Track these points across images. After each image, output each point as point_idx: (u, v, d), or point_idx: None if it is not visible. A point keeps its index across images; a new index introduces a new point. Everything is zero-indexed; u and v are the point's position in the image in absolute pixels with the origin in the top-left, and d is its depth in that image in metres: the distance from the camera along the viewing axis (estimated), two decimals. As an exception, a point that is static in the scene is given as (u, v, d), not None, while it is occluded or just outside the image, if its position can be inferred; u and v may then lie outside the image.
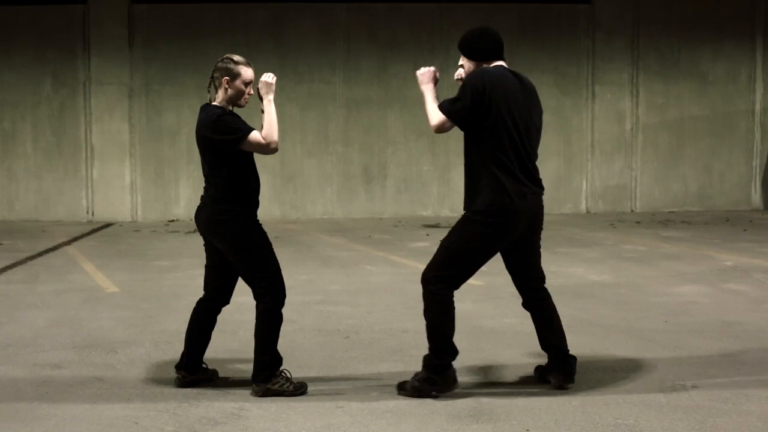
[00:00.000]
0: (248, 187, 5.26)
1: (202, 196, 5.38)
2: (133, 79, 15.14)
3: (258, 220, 5.33)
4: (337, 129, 15.61)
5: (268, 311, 5.23)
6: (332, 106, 15.58)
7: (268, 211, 15.32)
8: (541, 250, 5.43)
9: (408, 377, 5.57)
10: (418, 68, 5.46)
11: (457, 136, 5.70)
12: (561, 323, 5.42)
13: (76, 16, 15.04)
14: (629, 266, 9.91)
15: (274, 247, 5.33)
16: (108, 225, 14.58)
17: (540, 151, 5.37)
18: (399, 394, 5.23)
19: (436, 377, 5.17)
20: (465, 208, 5.21)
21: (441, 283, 5.17)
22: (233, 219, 5.21)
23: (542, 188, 5.29)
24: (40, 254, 11.14)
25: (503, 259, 5.36)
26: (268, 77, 5.30)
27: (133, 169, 15.18)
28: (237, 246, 5.23)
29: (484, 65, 5.24)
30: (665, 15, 16.14)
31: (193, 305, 5.55)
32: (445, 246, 5.21)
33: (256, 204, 5.33)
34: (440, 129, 5.17)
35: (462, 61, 5.34)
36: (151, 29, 15.15)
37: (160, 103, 15.17)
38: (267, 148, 5.17)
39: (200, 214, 5.34)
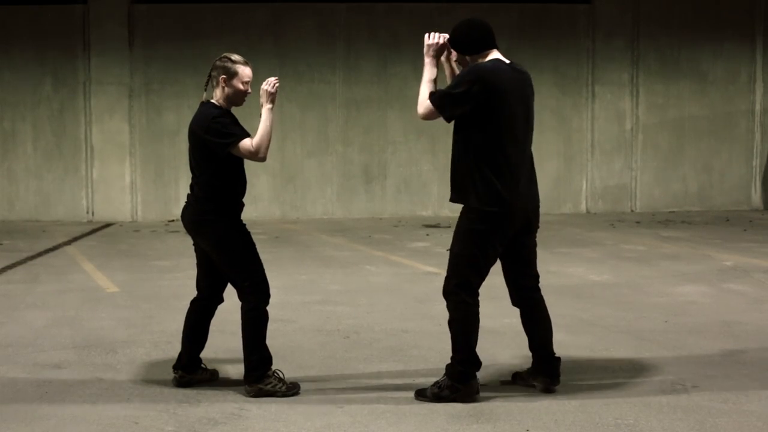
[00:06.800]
0: (234, 189, 5.26)
1: (188, 194, 5.39)
2: (133, 79, 15.14)
3: (242, 221, 5.33)
4: (337, 129, 15.60)
5: (251, 310, 5.24)
6: (332, 106, 15.58)
7: (268, 211, 15.33)
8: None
9: (408, 377, 5.58)
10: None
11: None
12: (551, 325, 5.36)
13: (76, 16, 15.03)
14: (629, 266, 9.91)
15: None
16: (108, 225, 14.58)
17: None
18: (417, 399, 5.17)
19: (459, 386, 5.11)
20: (454, 201, 5.14)
21: (461, 291, 5.15)
22: (217, 219, 5.22)
23: (536, 184, 5.21)
24: (40, 254, 11.14)
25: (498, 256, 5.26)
26: (269, 85, 5.23)
27: (133, 169, 15.17)
28: (220, 246, 5.24)
29: (479, 59, 5.12)
30: (665, 15, 16.13)
31: (193, 305, 5.57)
32: (454, 253, 5.16)
33: (241, 205, 5.34)
34: (426, 117, 5.13)
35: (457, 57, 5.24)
36: (151, 29, 15.14)
37: (160, 103, 15.16)
38: (255, 156, 5.15)
39: (185, 213, 5.38)
